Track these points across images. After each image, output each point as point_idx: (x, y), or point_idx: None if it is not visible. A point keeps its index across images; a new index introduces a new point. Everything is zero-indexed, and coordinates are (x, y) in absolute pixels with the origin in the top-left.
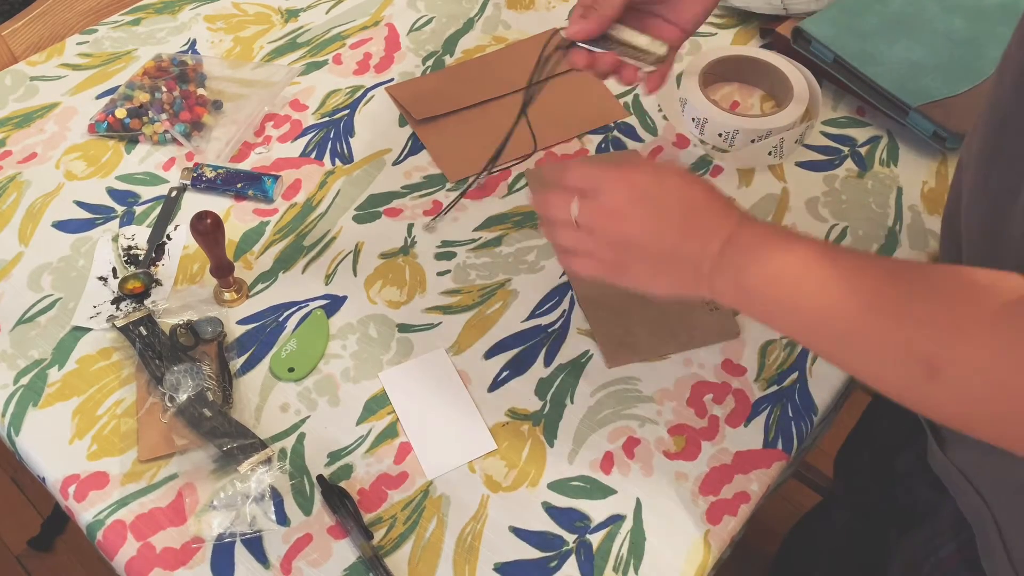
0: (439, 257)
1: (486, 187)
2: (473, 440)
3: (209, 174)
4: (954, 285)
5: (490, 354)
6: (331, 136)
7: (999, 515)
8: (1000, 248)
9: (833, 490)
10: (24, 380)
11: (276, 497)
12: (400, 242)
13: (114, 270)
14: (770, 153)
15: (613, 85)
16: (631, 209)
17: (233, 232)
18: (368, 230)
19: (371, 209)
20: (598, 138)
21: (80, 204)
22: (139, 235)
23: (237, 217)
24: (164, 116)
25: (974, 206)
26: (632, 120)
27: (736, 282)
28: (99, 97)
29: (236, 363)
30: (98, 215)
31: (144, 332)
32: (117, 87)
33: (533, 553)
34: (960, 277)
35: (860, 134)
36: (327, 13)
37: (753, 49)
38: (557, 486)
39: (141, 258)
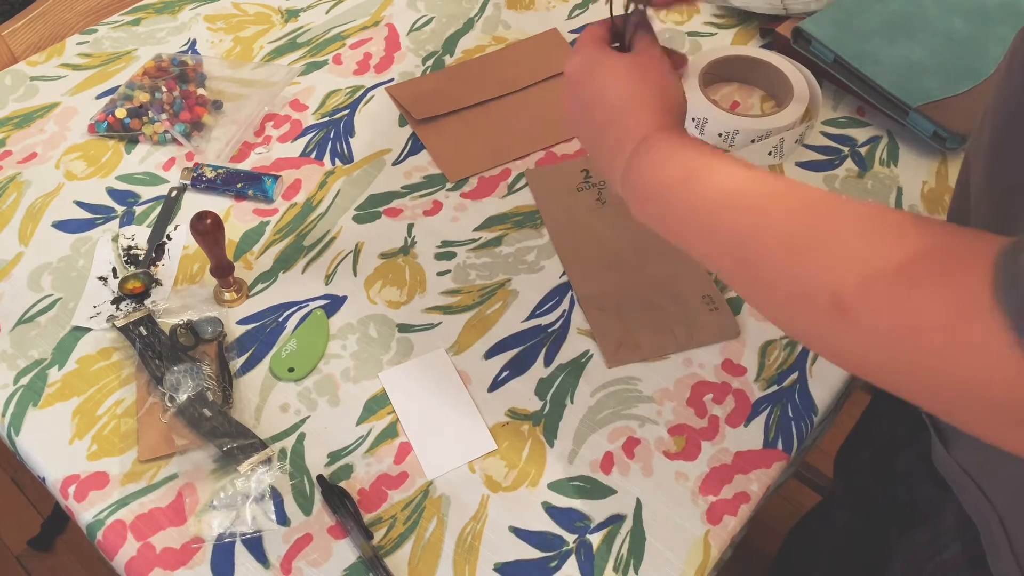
0: (439, 257)
1: (486, 187)
2: (473, 440)
3: (209, 174)
4: (877, 219)
5: (490, 354)
6: (331, 136)
7: (1004, 514)
8: None
9: (833, 490)
10: (24, 380)
11: (276, 497)
12: (400, 242)
13: (114, 270)
14: (770, 153)
15: None
16: (569, 84)
17: (233, 232)
18: (368, 230)
19: (371, 209)
20: None
21: (80, 204)
22: (139, 235)
23: (237, 217)
24: (164, 116)
25: (982, 203)
26: None
27: (643, 182)
28: (99, 97)
29: (236, 363)
30: (98, 215)
31: (144, 332)
32: (117, 87)
33: (533, 553)
34: (884, 214)
35: (860, 134)
36: (327, 13)
37: (753, 49)
38: (557, 486)
39: (141, 258)
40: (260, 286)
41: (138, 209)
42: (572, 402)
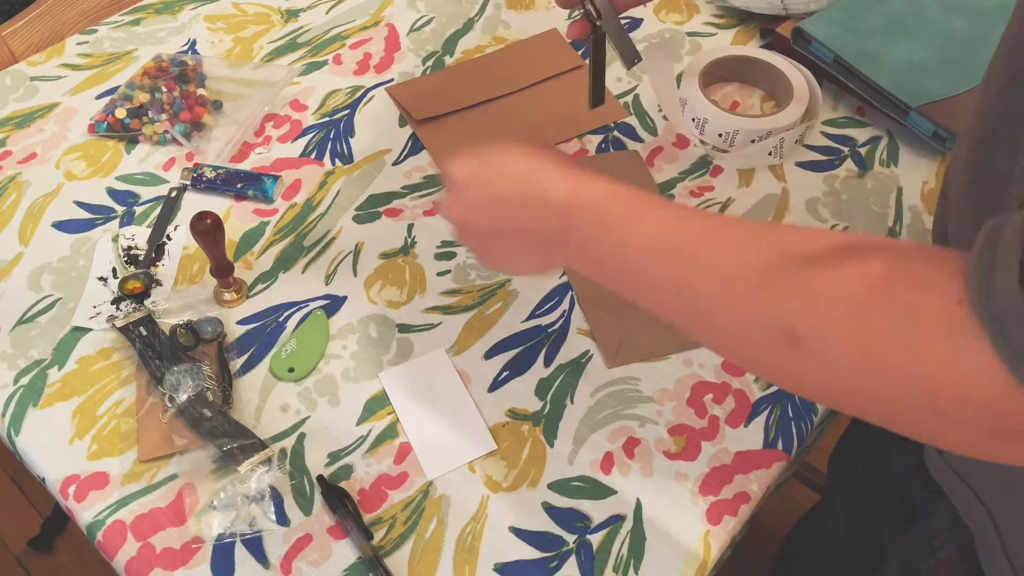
0: (439, 257)
1: None
2: (473, 440)
3: (209, 174)
4: (813, 248)
5: (490, 354)
6: (331, 136)
7: (998, 518)
8: None
9: (829, 491)
10: (24, 380)
11: (276, 497)
12: (400, 242)
13: (114, 270)
14: (770, 153)
15: (613, 85)
16: (475, 196)
17: (233, 232)
18: (368, 230)
19: (371, 209)
20: (598, 138)
21: (80, 204)
22: (139, 235)
23: (237, 217)
24: (164, 116)
25: (961, 216)
26: (632, 120)
27: (582, 254)
28: (99, 97)
29: (236, 363)
30: (98, 215)
31: (144, 332)
32: (117, 87)
33: (533, 553)
34: (818, 239)
35: (860, 134)
36: (327, 13)
37: (753, 49)
38: (557, 486)
39: (141, 258)
40: (260, 286)
41: (138, 209)
42: (572, 402)
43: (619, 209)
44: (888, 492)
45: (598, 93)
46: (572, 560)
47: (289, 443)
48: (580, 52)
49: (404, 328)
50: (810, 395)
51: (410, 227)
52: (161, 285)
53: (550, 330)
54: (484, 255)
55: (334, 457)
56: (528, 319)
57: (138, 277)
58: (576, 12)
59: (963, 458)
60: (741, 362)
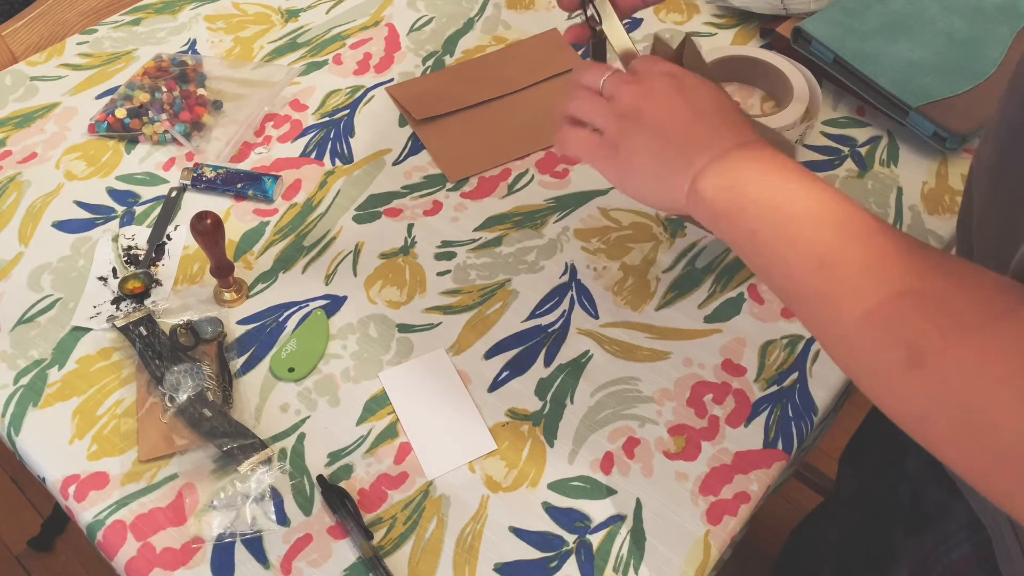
0: (439, 257)
1: (486, 187)
2: (473, 440)
3: (209, 174)
4: (966, 273)
5: (490, 354)
6: (331, 136)
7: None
8: (1011, 259)
9: (838, 489)
10: (24, 380)
11: (276, 497)
12: (400, 242)
13: (114, 270)
14: None
15: None
16: (660, 88)
17: (233, 232)
18: (368, 230)
19: (371, 209)
20: None
21: (80, 204)
22: (139, 235)
23: (237, 217)
24: (164, 116)
25: (987, 214)
26: None
27: (731, 187)
28: (99, 97)
29: (236, 363)
30: (98, 215)
31: (144, 332)
32: (117, 87)
33: (533, 553)
34: (974, 268)
35: (860, 134)
36: (327, 13)
37: (753, 49)
38: (557, 486)
39: (141, 258)
40: (260, 286)
41: (138, 209)
42: (572, 402)
43: (790, 169)
44: (901, 490)
45: None
46: (572, 560)
47: (289, 443)
48: (580, 52)
49: (404, 328)
50: (907, 423)
51: (410, 227)
52: (161, 285)
53: (550, 330)
54: (609, 141)
55: (334, 457)
56: (528, 319)
57: (138, 277)
58: (577, 14)
59: None
60: (853, 366)
